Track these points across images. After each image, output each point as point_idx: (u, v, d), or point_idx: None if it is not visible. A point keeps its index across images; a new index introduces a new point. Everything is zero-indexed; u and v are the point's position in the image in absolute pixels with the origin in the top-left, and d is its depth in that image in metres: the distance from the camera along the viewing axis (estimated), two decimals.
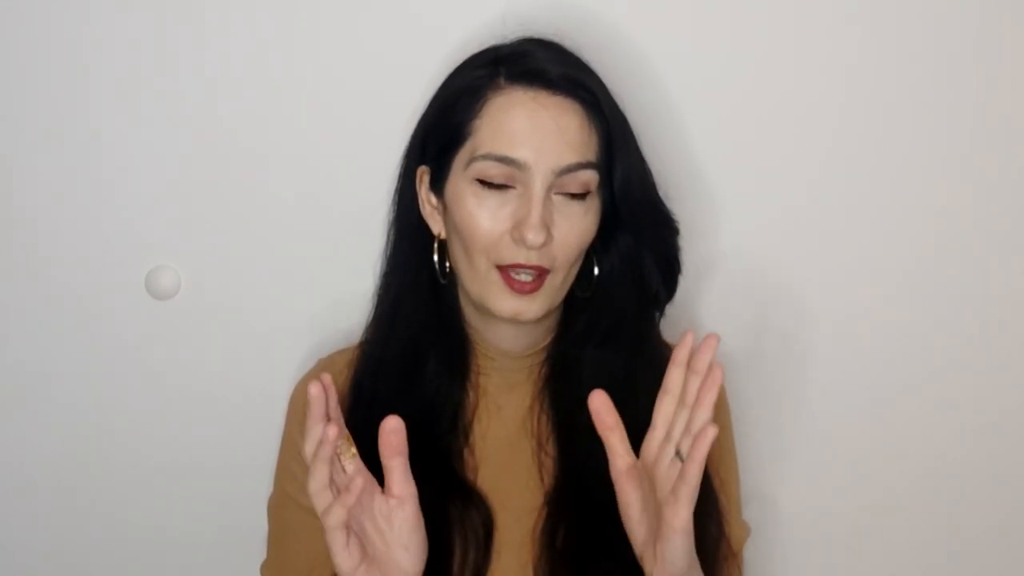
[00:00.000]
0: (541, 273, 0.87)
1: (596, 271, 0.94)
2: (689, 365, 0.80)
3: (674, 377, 0.81)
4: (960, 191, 1.13)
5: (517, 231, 0.85)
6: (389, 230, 0.97)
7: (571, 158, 0.86)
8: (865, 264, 1.14)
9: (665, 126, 1.06)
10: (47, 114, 1.03)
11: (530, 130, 0.85)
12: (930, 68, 1.10)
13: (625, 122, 0.91)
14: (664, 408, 0.81)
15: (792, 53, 1.09)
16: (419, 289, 0.94)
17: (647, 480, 0.81)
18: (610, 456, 0.82)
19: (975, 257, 1.15)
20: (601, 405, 0.81)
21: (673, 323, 1.01)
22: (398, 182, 0.96)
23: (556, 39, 0.91)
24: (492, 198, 0.86)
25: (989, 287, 1.16)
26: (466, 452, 0.94)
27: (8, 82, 1.03)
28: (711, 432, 0.74)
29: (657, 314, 0.98)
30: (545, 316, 0.91)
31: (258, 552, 0.99)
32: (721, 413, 1.00)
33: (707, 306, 1.12)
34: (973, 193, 1.14)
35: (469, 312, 0.95)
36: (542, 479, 0.94)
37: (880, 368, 1.17)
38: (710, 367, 0.78)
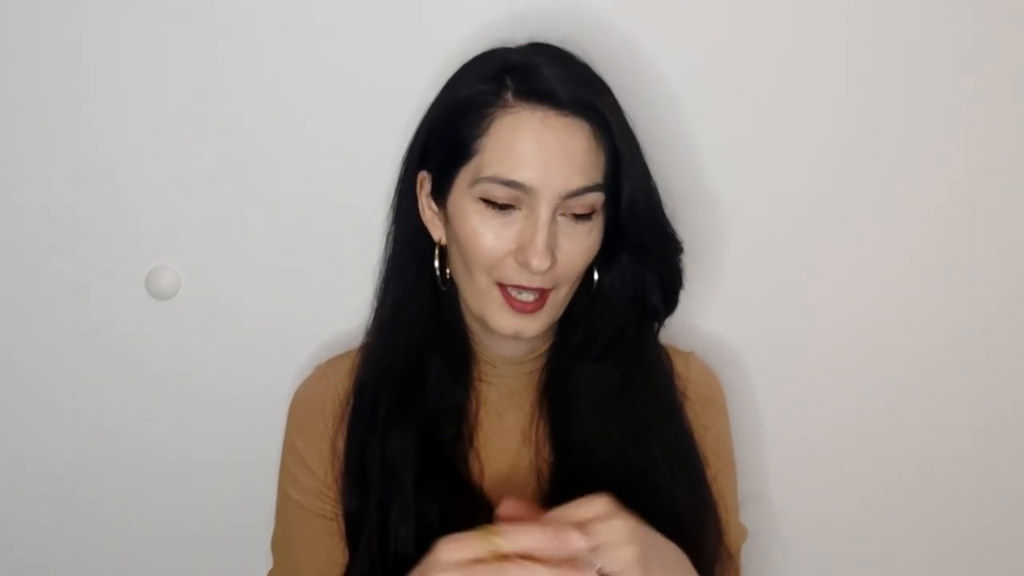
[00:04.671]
0: (543, 293, 0.86)
1: (596, 277, 0.93)
2: None
3: None
4: (960, 194, 1.13)
5: (521, 255, 0.84)
6: (388, 234, 0.96)
7: (578, 182, 0.83)
8: (865, 272, 1.14)
9: (672, 134, 1.06)
10: (47, 114, 1.03)
11: (537, 153, 0.82)
12: (935, 70, 1.10)
13: (634, 140, 0.88)
14: None
15: (807, 65, 1.08)
16: (420, 295, 0.93)
17: None
18: None
19: (974, 258, 1.15)
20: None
21: (673, 329, 1.01)
22: (398, 185, 0.94)
23: (564, 45, 0.89)
24: (496, 218, 0.84)
25: (988, 287, 1.16)
26: (471, 456, 0.93)
27: (8, 82, 1.02)
28: None
29: (656, 325, 0.97)
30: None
31: (259, 551, 0.99)
32: (720, 418, 1.00)
33: (707, 312, 1.13)
34: (973, 195, 1.14)
35: (469, 319, 0.94)
36: (540, 486, 0.93)
37: (878, 370, 1.17)
38: None
